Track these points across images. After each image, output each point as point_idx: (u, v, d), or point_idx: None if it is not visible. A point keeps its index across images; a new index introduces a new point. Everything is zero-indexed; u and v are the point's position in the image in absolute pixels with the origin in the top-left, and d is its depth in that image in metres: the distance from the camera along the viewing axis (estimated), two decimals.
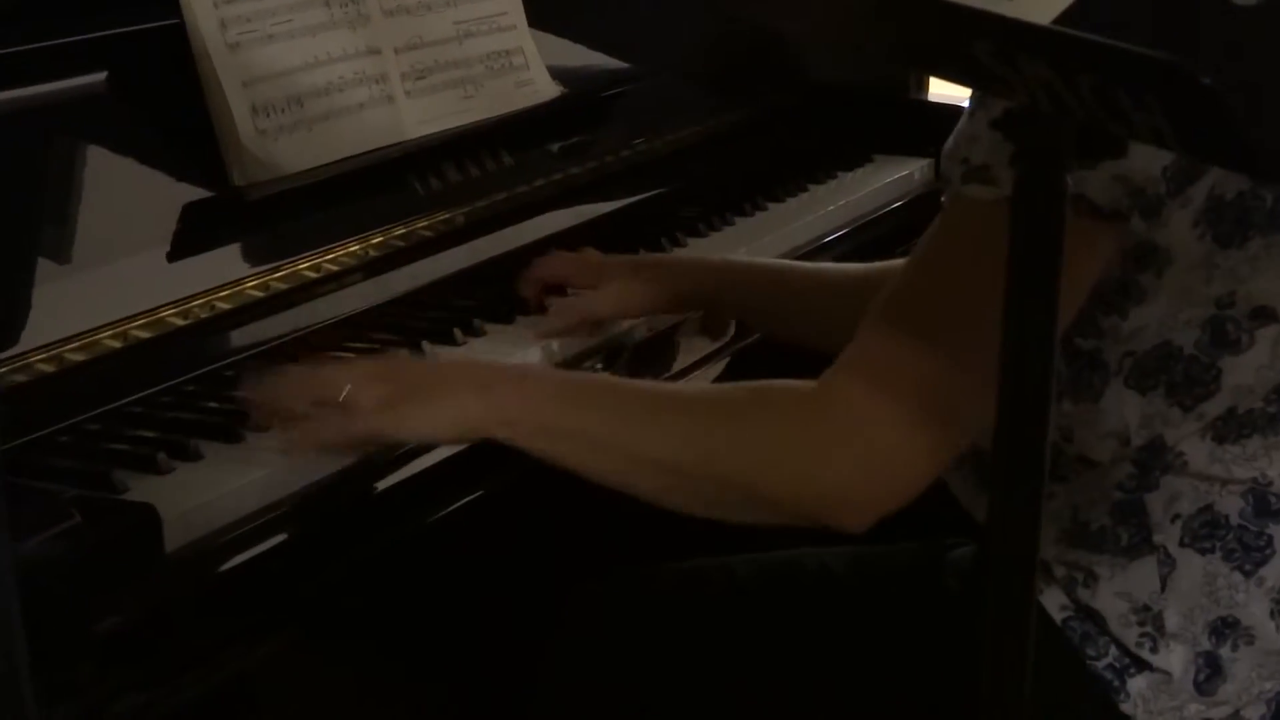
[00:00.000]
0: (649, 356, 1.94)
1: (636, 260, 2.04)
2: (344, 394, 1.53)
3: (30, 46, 1.68)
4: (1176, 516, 1.56)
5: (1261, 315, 1.51)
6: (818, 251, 2.31)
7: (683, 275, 1.97)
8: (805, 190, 2.45)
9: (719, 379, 2.08)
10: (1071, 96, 0.87)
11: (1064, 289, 1.12)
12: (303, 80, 1.86)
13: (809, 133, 2.60)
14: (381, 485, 1.62)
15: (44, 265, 1.63)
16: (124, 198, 1.72)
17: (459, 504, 1.69)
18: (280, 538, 1.53)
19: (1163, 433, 1.54)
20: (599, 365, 1.89)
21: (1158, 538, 1.56)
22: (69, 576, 1.30)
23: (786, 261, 2.10)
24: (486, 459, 1.61)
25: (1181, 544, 1.55)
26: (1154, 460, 1.56)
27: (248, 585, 1.51)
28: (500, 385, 1.56)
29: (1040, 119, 1.12)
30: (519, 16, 2.12)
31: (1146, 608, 1.56)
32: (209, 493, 1.49)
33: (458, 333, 1.85)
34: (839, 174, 2.53)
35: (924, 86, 2.75)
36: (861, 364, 1.47)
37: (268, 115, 1.81)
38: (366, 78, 1.93)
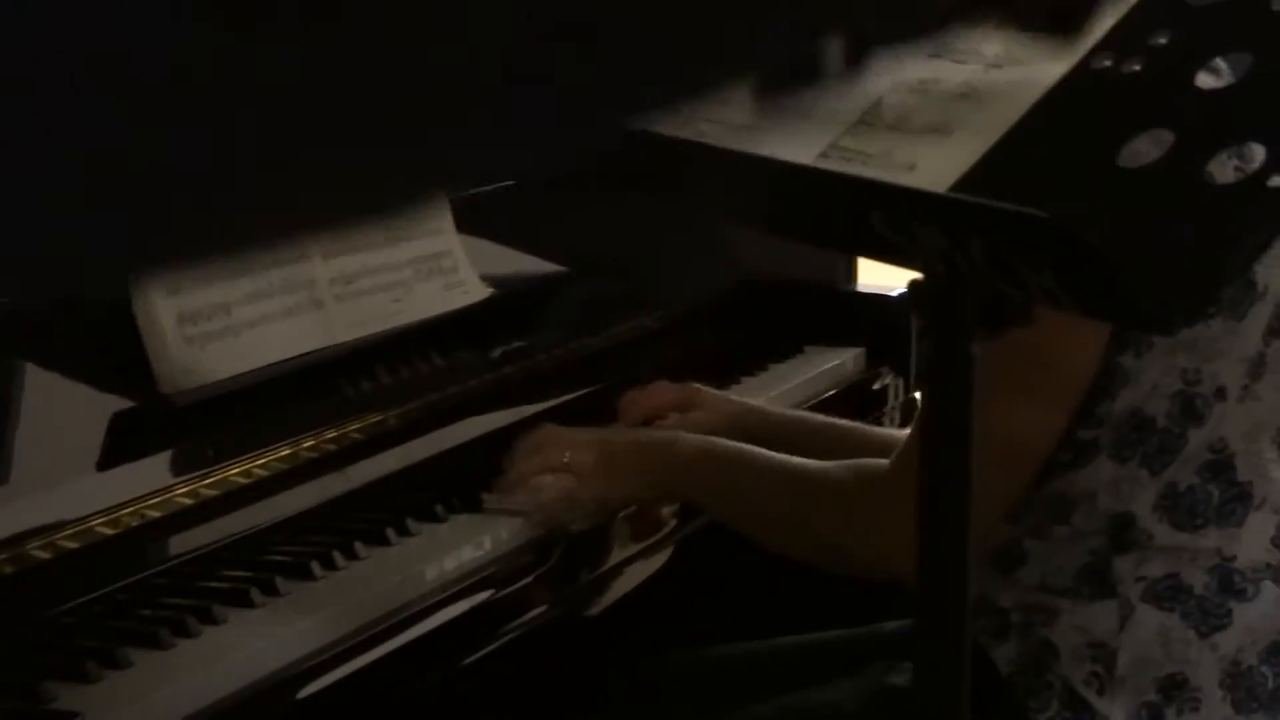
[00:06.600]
0: (585, 549, 1.94)
1: (717, 396, 2.23)
2: (566, 458, 1.91)
3: None
4: (1142, 578, 1.63)
5: (1220, 394, 1.61)
6: None
7: (743, 416, 2.16)
8: (738, 382, 2.45)
9: (666, 565, 2.10)
10: (965, 261, 0.88)
11: (1064, 383, 1.19)
12: (230, 288, 1.86)
13: (740, 325, 2.62)
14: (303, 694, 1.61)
15: None
16: (51, 407, 1.72)
17: None
18: None
19: (1131, 509, 1.63)
20: (530, 560, 1.89)
21: (1121, 589, 1.63)
22: None
23: (802, 414, 2.28)
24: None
25: (1143, 599, 1.63)
26: (1124, 534, 1.64)
27: None
28: (675, 456, 1.93)
29: (943, 291, 1.15)
30: (446, 220, 2.14)
31: (1102, 644, 1.62)
32: (138, 701, 1.48)
33: (390, 533, 1.85)
34: (771, 365, 2.53)
35: (853, 277, 2.78)
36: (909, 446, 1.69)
37: (194, 323, 1.82)
38: (294, 284, 1.94)
